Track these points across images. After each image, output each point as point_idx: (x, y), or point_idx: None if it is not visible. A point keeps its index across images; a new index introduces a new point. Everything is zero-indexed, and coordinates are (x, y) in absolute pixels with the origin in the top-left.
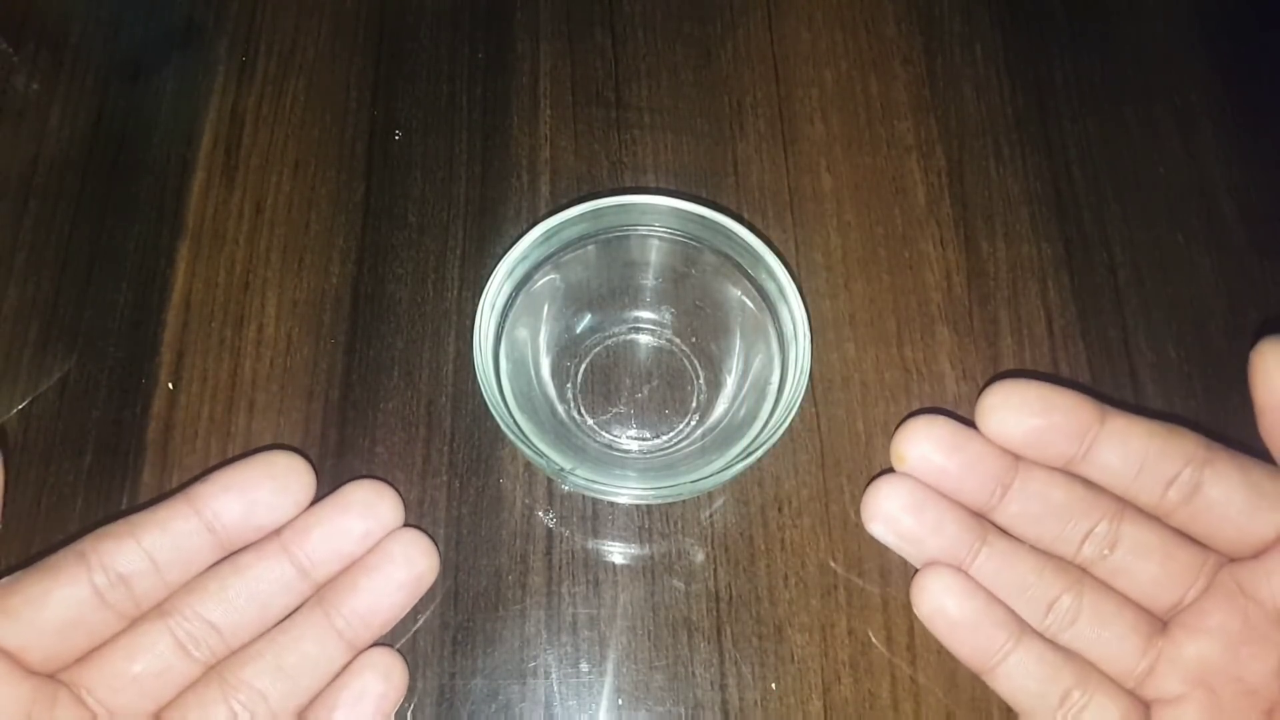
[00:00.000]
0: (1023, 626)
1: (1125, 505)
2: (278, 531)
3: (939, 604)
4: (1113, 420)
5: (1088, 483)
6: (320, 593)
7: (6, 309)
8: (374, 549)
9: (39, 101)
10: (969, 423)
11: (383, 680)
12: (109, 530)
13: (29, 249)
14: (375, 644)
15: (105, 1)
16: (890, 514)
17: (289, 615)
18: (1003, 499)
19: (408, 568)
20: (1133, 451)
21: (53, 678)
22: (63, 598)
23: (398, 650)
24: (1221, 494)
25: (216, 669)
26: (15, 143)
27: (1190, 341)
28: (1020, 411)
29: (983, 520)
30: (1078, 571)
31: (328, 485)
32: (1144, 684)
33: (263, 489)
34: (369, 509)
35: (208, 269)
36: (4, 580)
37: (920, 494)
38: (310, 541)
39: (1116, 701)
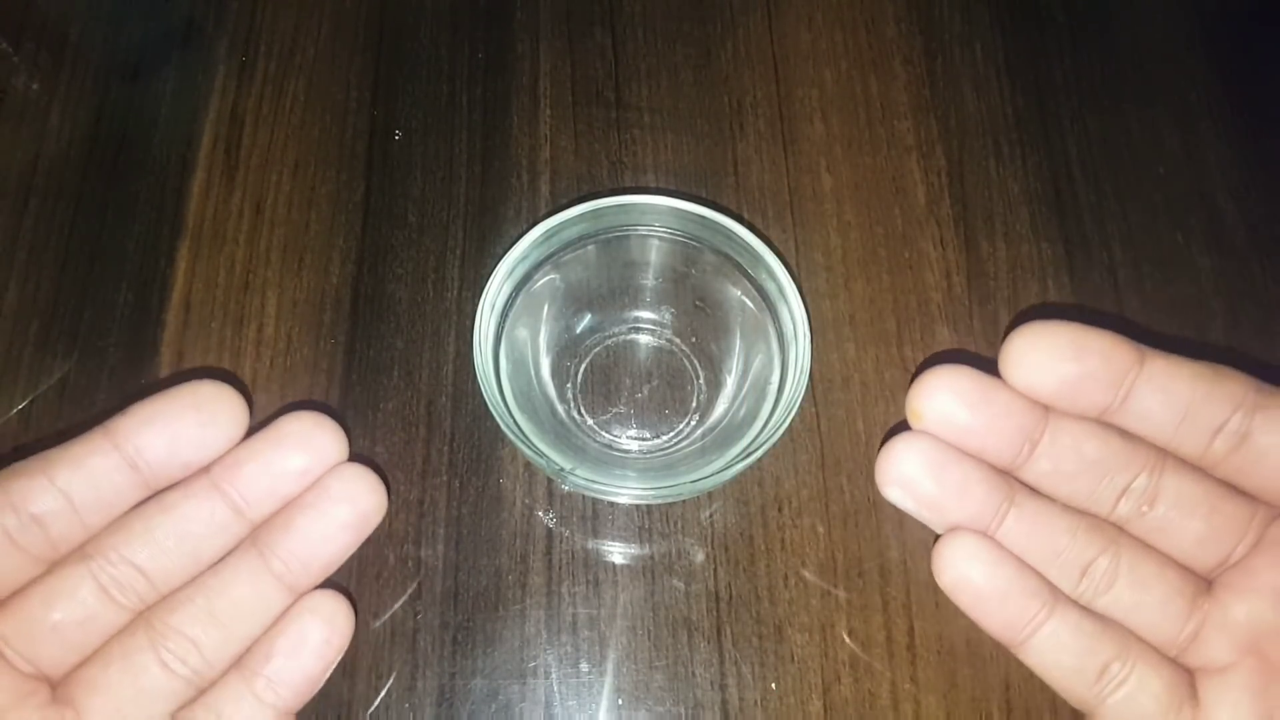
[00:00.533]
0: (1056, 594)
1: (1166, 456)
2: (207, 468)
3: (964, 573)
4: (1153, 362)
5: (1123, 431)
6: (255, 533)
7: (6, 309)
8: (313, 486)
9: (39, 101)
10: (988, 367)
11: (325, 625)
12: (19, 468)
13: (29, 248)
14: (320, 587)
15: (105, 1)
16: (909, 477)
17: (223, 559)
18: (1031, 455)
19: (350, 506)
20: (1175, 397)
21: None
22: None
23: (344, 593)
24: (1274, 441)
25: (144, 616)
26: (15, 143)
27: (1190, 341)
28: (1051, 357)
29: (1009, 478)
30: (1114, 530)
31: None
32: (1188, 651)
33: (188, 421)
34: (306, 442)
35: (208, 269)
36: None
37: (941, 454)
38: (242, 478)
39: (1159, 672)
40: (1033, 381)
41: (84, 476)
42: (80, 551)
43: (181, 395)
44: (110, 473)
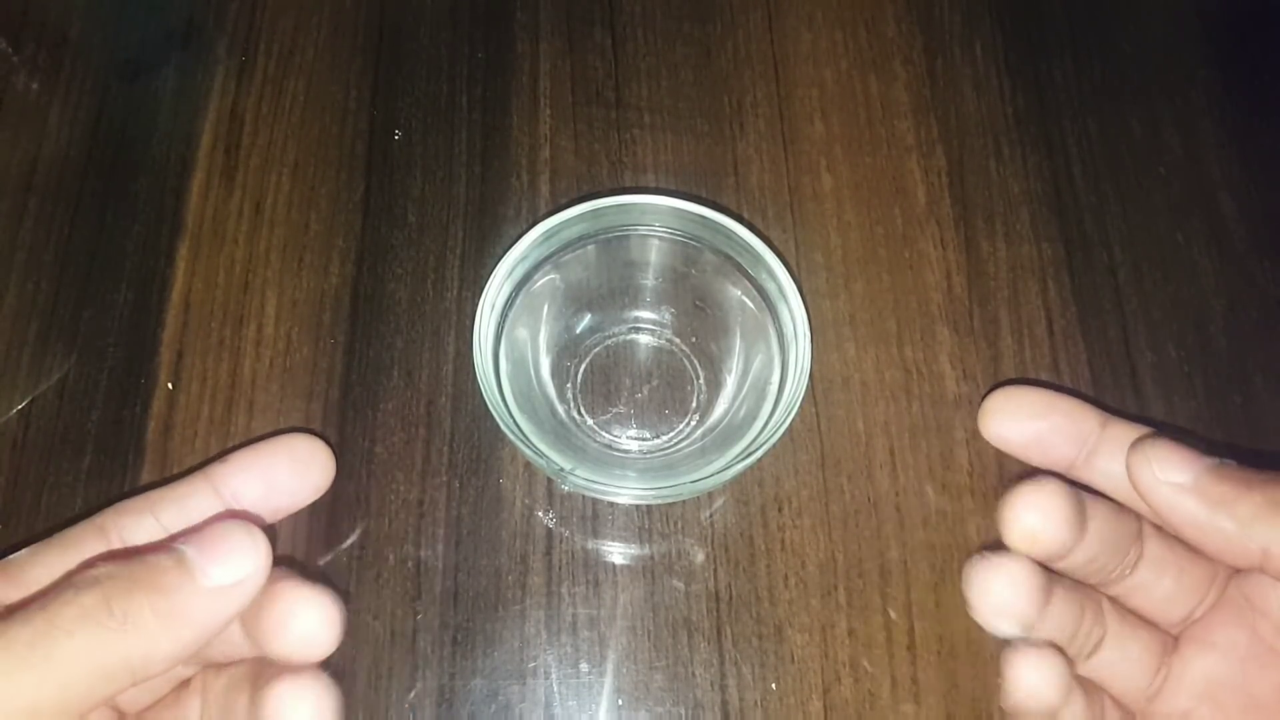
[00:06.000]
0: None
1: (1143, 521)
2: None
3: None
4: (1113, 426)
5: (1118, 506)
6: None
7: (6, 309)
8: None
9: (39, 101)
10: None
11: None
12: (128, 505)
13: (29, 249)
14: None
15: (105, 1)
16: (1008, 603)
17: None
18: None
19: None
20: None
21: None
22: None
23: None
24: None
25: (201, 675)
26: (15, 143)
27: (1190, 341)
28: (1021, 415)
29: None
30: (1098, 595)
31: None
32: (1154, 701)
33: (282, 471)
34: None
35: (207, 269)
36: (23, 551)
37: (1033, 574)
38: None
39: None
40: (1005, 435)
41: (184, 516)
42: None
43: (278, 446)
44: (208, 514)
